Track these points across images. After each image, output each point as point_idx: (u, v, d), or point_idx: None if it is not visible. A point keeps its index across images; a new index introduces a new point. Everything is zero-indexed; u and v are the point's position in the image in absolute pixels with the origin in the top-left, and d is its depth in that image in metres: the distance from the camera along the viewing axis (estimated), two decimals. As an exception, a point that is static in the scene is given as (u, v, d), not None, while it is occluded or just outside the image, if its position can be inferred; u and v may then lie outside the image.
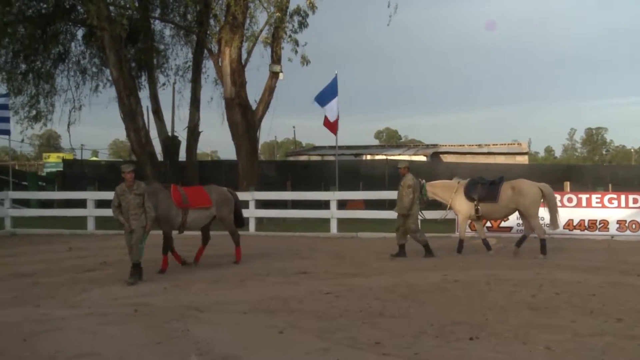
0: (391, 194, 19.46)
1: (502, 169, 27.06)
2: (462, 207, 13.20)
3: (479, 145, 39.16)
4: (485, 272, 10.69)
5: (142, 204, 10.04)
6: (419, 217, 12.98)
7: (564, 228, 16.01)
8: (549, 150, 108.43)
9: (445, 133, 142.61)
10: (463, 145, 39.19)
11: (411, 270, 11.17)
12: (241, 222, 12.77)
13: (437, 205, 14.05)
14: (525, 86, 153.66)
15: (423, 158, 34.83)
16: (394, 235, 16.16)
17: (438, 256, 12.65)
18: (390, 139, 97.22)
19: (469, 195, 13.09)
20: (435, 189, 13.51)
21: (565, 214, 15.97)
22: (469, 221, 14.09)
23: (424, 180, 13.22)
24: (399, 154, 35.57)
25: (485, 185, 13.08)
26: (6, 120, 20.41)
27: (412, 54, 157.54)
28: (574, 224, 16.24)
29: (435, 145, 39.97)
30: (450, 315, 7.60)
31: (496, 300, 8.51)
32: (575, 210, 16.22)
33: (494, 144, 39.23)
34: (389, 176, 25.74)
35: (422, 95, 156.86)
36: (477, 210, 13.04)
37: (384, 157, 32.39)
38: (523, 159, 36.39)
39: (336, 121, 19.27)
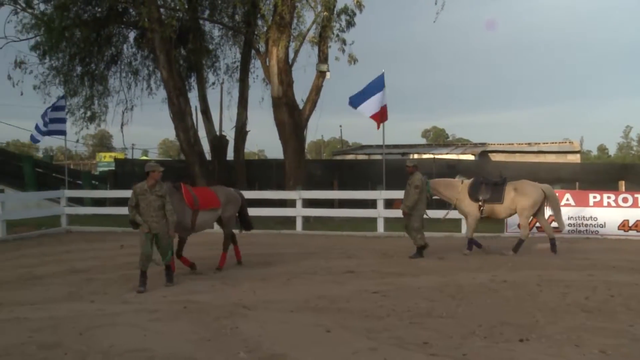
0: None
1: (553, 167, 26.50)
2: (470, 208, 13.14)
3: (529, 143, 38.40)
4: (536, 273, 10.48)
5: (163, 206, 9.46)
6: (424, 216, 12.91)
7: (618, 229, 15.59)
8: (602, 149, 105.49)
9: (494, 132, 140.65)
10: (512, 144, 38.49)
11: (459, 270, 11.05)
12: (249, 226, 12.35)
13: (442, 204, 13.98)
14: (578, 83, 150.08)
15: (471, 157, 34.36)
16: (442, 235, 16.10)
17: (426, 258, 12.49)
18: (438, 138, 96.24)
19: (473, 196, 13.07)
20: (439, 187, 13.44)
21: (620, 215, 15.60)
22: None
23: (426, 178, 13.07)
24: (447, 153, 35.18)
25: (489, 185, 13.12)
26: (63, 121, 20.99)
27: (460, 51, 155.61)
28: (630, 224, 15.75)
29: (483, 144, 39.36)
30: (499, 316, 7.49)
31: (547, 301, 8.34)
32: (630, 210, 15.73)
33: (544, 143, 38.40)
34: (437, 175, 25.20)
35: (470, 94, 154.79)
36: (481, 211, 13.05)
37: (431, 156, 32.08)
38: (575, 158, 35.51)
39: (384, 111, 18.94)
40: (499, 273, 10.56)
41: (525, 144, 38.51)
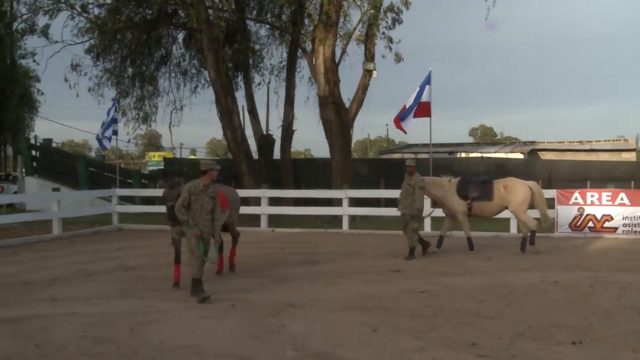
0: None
1: (606, 166, 25.82)
2: (458, 206, 13.08)
3: (580, 141, 37.53)
4: (588, 274, 10.24)
5: (213, 209, 8.83)
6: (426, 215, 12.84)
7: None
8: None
9: (544, 130, 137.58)
10: (563, 142, 37.67)
11: (508, 270, 10.89)
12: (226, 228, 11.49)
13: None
14: (634, 79, 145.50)
15: (520, 155, 33.78)
16: (490, 234, 15.87)
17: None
18: (485, 136, 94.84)
19: (462, 194, 13.02)
20: (427, 186, 13.18)
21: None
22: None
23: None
24: (495, 152, 34.68)
25: (477, 183, 13.11)
26: (115, 121, 21.53)
27: (510, 47, 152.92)
28: (690, 224, 15.21)
29: (532, 142, 38.66)
30: (549, 318, 7.34)
31: (601, 303, 8.13)
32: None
33: (597, 141, 37.46)
34: (485, 174, 25.07)
35: (519, 91, 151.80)
36: (469, 209, 13.01)
37: (479, 154, 31.66)
38: (630, 156, 34.54)
39: (425, 107, 18.62)
40: (549, 273, 10.35)
41: (577, 142, 37.64)
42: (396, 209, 12.80)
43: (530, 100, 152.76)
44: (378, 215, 19.53)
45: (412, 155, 35.20)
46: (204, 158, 56.94)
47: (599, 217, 15.42)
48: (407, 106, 18.38)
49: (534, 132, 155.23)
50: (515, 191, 12.96)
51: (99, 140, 21.98)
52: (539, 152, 35.40)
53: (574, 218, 15.64)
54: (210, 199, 8.76)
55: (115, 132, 21.43)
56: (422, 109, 18.53)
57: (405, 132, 19.04)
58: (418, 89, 18.45)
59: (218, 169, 8.91)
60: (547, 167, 26.13)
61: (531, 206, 13.31)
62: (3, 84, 36.19)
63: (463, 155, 34.29)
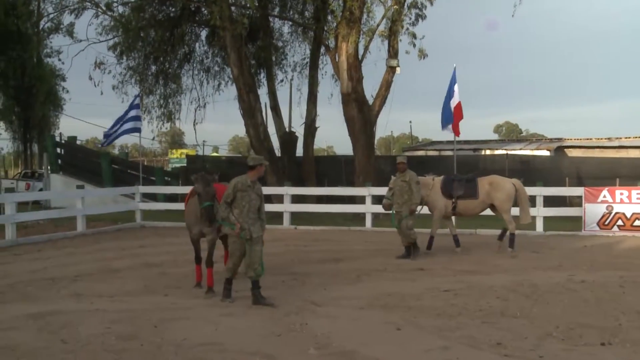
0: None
1: (636, 163, 25.39)
2: (439, 204, 12.95)
3: (609, 138, 36.92)
4: (618, 274, 10.08)
5: (259, 208, 8.37)
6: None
7: None
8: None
9: (571, 126, 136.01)
10: (591, 139, 37.09)
11: (534, 268, 10.78)
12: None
13: None
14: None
15: (546, 152, 33.34)
16: (516, 232, 15.70)
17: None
18: (510, 133, 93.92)
19: (447, 193, 12.92)
20: None
21: None
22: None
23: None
24: (520, 149, 34.29)
25: (461, 182, 13.01)
26: (138, 119, 21.51)
27: (535, 42, 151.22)
28: None
29: (559, 139, 38.10)
30: (577, 318, 7.24)
31: (632, 304, 7.99)
32: None
33: (626, 137, 36.82)
34: (510, 171, 24.76)
35: (545, 87, 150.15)
36: (454, 207, 12.93)
37: (504, 151, 31.35)
38: (661, 153, 33.86)
39: (458, 111, 18.55)
40: (577, 272, 10.22)
41: (605, 139, 37.03)
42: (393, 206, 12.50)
43: (557, 96, 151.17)
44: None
45: (436, 153, 35.03)
46: (225, 155, 57.17)
47: (628, 215, 15.18)
48: (446, 109, 18.27)
49: (561, 129, 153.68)
50: (500, 188, 12.91)
51: (107, 135, 21.62)
52: (565, 149, 34.88)
53: (602, 216, 15.42)
54: (257, 196, 8.28)
55: (138, 130, 21.38)
56: (456, 111, 18.46)
57: (458, 134, 18.83)
58: (448, 90, 18.34)
59: (266, 164, 8.61)
60: (574, 164, 25.75)
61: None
62: (29, 82, 36.72)
63: (488, 152, 33.93)
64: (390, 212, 12.61)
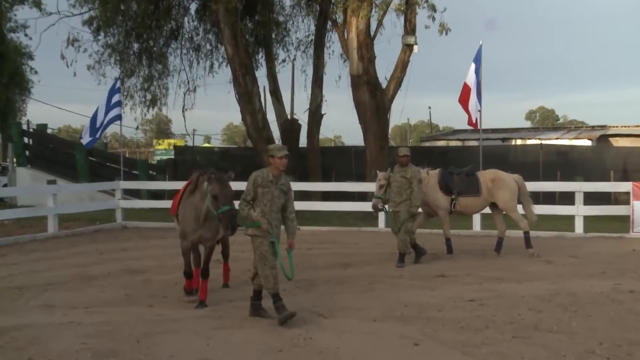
0: (545, 185, 18.87)
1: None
2: (442, 202, 12.95)
3: (662, 125, 36.76)
4: (671, 282, 10.05)
5: (285, 206, 8.19)
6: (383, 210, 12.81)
7: None
8: None
9: (617, 112, 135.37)
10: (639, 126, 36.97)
11: (572, 276, 10.77)
12: None
13: None
14: None
15: (587, 142, 33.25)
16: (551, 234, 15.69)
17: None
18: (545, 120, 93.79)
19: (445, 188, 12.89)
20: None
21: None
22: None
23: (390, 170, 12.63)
24: (557, 138, 34.21)
25: (461, 176, 13.00)
26: (118, 104, 21.27)
27: (574, 18, 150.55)
28: None
29: (603, 127, 37.97)
30: (625, 333, 7.22)
31: (689, 317, 7.96)
32: None
33: (683, 124, 36.65)
34: (544, 164, 24.84)
35: (586, 68, 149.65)
36: (454, 205, 12.86)
37: (537, 141, 31.29)
38: None
39: (465, 109, 18.55)
40: (623, 281, 10.19)
41: (658, 126, 36.88)
42: (385, 206, 12.45)
43: (601, 78, 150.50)
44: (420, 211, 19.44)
45: (459, 143, 34.98)
46: (218, 146, 57.22)
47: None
48: (471, 91, 18.25)
49: (605, 115, 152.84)
50: (504, 185, 12.96)
51: (91, 131, 20.79)
52: (610, 138, 34.76)
53: (655, 216, 15.35)
54: (282, 193, 8.07)
55: (119, 118, 21.14)
56: (463, 95, 18.45)
57: (476, 128, 18.88)
58: (473, 68, 18.31)
59: (285, 154, 8.05)
60: (621, 156, 25.65)
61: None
62: (-10, 61, 36.61)
63: (519, 142, 33.89)
64: (381, 211, 12.58)
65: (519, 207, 13.39)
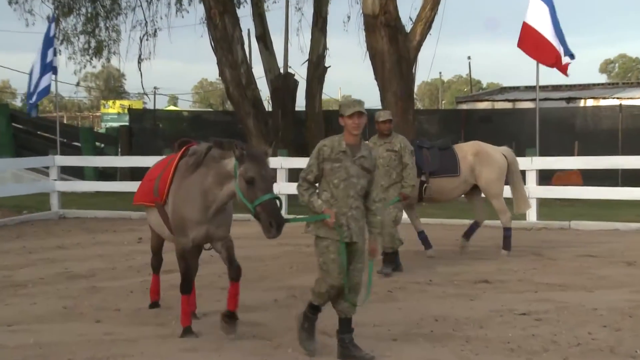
0: (626, 161, 18.84)
1: None
2: None
3: None
4: None
5: (367, 190, 7.34)
6: None
7: None
8: None
9: None
10: None
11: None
12: None
13: None
14: None
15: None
16: (632, 226, 15.70)
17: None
18: (627, 73, 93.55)
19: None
20: None
21: None
22: None
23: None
24: (640, 97, 34.07)
25: (433, 151, 12.91)
26: (51, 53, 21.00)
27: None
28: None
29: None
30: None
31: None
32: None
33: None
34: (625, 132, 24.75)
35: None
36: (425, 189, 12.71)
37: (616, 101, 31.19)
38: None
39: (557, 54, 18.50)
40: None
41: None
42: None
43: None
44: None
45: (508, 105, 34.84)
46: (189, 110, 57.00)
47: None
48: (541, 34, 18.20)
49: None
50: (489, 162, 12.95)
51: (30, 97, 20.97)
52: None
53: None
54: (362, 170, 7.26)
55: (53, 70, 20.88)
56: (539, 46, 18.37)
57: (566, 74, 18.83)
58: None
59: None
60: None
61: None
62: None
63: (590, 102, 33.79)
64: None
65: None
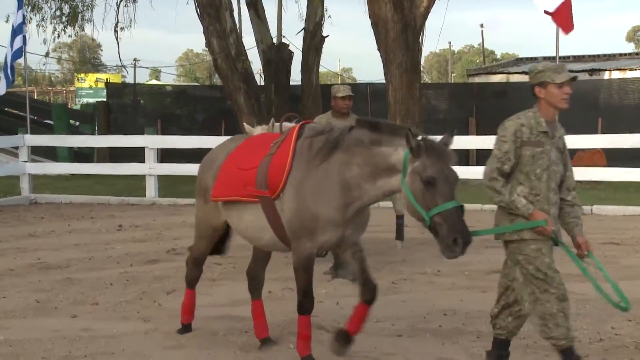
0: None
1: None
2: None
3: None
4: None
5: (563, 178, 6.58)
6: None
7: None
8: None
9: None
10: None
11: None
12: None
13: None
14: None
15: None
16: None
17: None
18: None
19: None
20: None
21: None
22: None
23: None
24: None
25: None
26: (19, 19, 20.84)
27: None
28: None
29: None
30: None
31: None
32: None
33: None
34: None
35: None
36: None
37: (642, 74, 31.16)
38: None
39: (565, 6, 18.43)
40: None
41: None
42: None
43: None
44: (465, 178, 19.46)
45: (525, 78, 34.80)
46: (173, 84, 56.93)
47: None
48: None
49: None
50: None
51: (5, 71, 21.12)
52: None
53: None
54: (559, 154, 6.53)
55: (22, 39, 20.77)
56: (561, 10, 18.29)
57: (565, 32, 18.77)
58: None
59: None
60: None
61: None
62: None
63: (616, 75, 33.75)
64: None
65: None
